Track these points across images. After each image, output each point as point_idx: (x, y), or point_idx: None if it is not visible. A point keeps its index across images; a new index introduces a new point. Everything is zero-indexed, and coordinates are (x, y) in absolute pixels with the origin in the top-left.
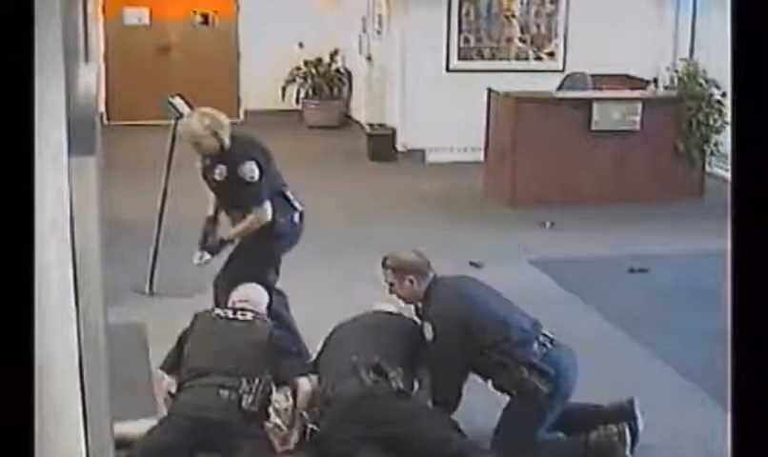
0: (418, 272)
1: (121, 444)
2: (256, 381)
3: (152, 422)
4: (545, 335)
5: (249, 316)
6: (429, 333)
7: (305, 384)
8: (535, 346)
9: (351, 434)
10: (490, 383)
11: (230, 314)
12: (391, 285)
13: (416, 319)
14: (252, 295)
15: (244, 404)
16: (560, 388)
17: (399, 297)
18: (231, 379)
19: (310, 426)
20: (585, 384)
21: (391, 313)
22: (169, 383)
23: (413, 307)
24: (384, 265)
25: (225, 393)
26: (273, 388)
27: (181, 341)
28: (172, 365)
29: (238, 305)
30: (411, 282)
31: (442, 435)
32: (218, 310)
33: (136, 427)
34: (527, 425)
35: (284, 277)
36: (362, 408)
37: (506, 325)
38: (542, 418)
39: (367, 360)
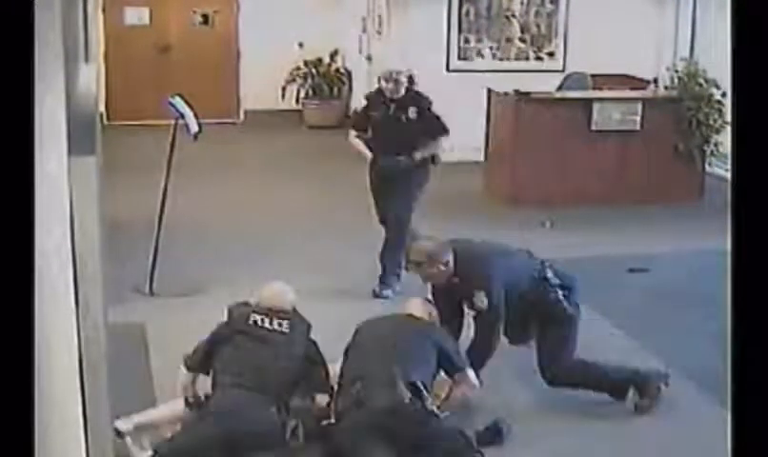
0: (447, 250)
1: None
2: (304, 417)
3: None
4: (541, 261)
5: (285, 326)
6: (483, 302)
7: (323, 399)
8: (549, 271)
9: (371, 442)
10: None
11: (267, 324)
12: (428, 276)
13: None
14: (284, 295)
15: (288, 434)
16: (577, 295)
17: (433, 282)
18: (279, 400)
19: (331, 420)
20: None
21: (420, 320)
22: (188, 382)
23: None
24: (413, 262)
25: (274, 412)
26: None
27: (213, 342)
28: (199, 365)
29: (275, 307)
30: (446, 263)
31: None
32: (255, 315)
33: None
34: (565, 346)
35: (283, 277)
36: (391, 421)
37: (527, 266)
38: (576, 330)
39: (405, 375)
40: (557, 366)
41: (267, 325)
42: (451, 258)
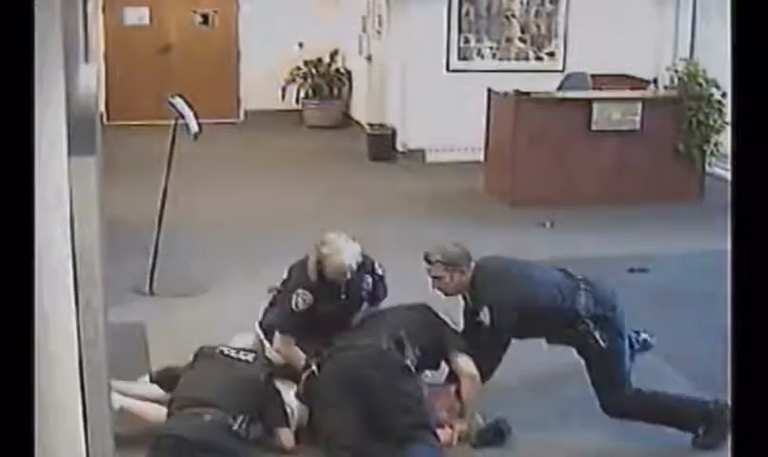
0: (467, 262)
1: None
2: (249, 415)
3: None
4: (582, 280)
5: (250, 358)
6: (486, 317)
7: (288, 438)
8: (583, 297)
9: (344, 384)
10: (545, 340)
11: (233, 354)
12: (436, 279)
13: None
14: (248, 337)
15: (235, 427)
16: (619, 323)
17: (441, 290)
18: (222, 409)
19: (312, 368)
20: (584, 383)
21: (424, 306)
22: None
23: (460, 296)
24: (430, 261)
25: (209, 418)
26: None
27: (181, 368)
28: (168, 384)
29: (241, 347)
30: (462, 272)
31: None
32: (223, 347)
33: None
34: (609, 380)
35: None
36: (363, 367)
37: (553, 289)
38: (621, 359)
39: (393, 333)
40: (609, 398)
41: (233, 354)
42: (469, 271)
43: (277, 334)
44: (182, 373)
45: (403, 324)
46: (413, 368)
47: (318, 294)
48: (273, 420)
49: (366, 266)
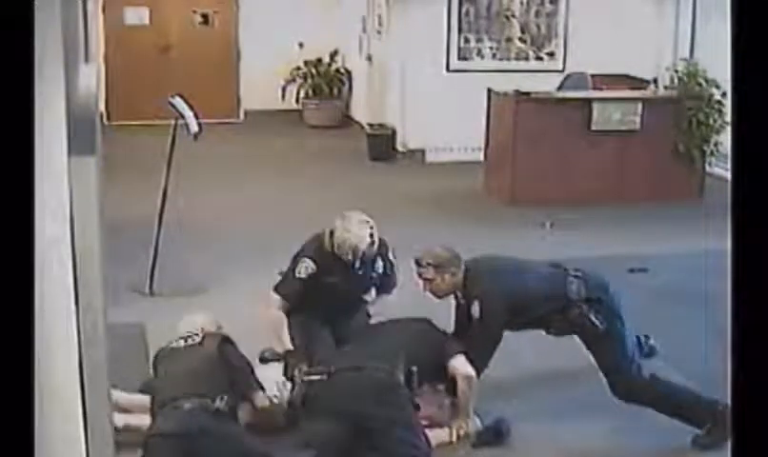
0: (458, 263)
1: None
2: (221, 395)
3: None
4: (573, 270)
5: (197, 339)
6: (476, 311)
7: (262, 398)
8: (575, 283)
9: (345, 405)
10: (544, 332)
11: (181, 343)
12: (427, 281)
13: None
14: (195, 322)
15: (216, 405)
16: (614, 305)
17: (433, 292)
18: (192, 398)
19: (322, 375)
20: (584, 382)
21: (428, 322)
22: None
23: (452, 296)
24: (421, 264)
25: (188, 406)
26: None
27: (147, 381)
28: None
29: (187, 333)
30: (453, 273)
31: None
32: (173, 343)
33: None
34: (613, 362)
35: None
36: (373, 395)
37: (543, 279)
38: (622, 339)
39: (407, 366)
40: (618, 380)
41: (181, 344)
42: (459, 272)
43: (271, 293)
44: (148, 384)
45: (414, 355)
46: (417, 403)
47: (324, 264)
48: (244, 386)
49: (381, 249)
